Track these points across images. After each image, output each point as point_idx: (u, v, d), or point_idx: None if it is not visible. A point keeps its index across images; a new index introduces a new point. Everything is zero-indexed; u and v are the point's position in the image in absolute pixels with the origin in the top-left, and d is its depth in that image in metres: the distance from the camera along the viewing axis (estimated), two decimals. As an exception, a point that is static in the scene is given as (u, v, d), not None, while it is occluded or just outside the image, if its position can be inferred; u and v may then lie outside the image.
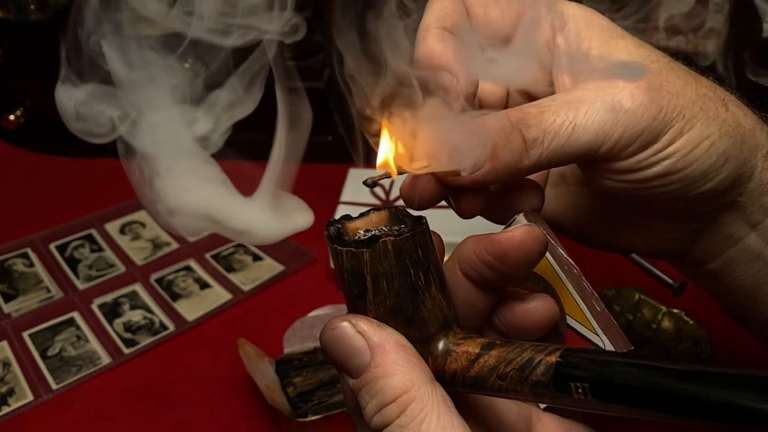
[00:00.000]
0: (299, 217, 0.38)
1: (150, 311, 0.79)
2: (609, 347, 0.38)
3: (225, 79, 0.37)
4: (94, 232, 0.93)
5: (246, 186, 0.38)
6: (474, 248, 0.35)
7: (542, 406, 0.39)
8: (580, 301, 0.39)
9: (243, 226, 0.36)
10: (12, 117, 1.10)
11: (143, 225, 0.94)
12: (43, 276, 0.84)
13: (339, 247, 0.33)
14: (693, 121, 0.35)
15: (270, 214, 0.37)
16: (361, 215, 0.35)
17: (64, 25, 0.36)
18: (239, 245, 0.89)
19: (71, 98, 0.35)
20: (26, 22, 1.12)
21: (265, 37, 0.36)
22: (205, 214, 0.35)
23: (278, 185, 0.37)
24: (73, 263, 0.87)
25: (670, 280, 0.71)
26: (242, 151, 0.40)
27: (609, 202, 0.43)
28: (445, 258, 0.37)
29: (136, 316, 0.78)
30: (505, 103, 0.43)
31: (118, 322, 0.77)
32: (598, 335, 0.39)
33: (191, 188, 0.35)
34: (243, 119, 0.38)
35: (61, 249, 0.89)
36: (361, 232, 0.34)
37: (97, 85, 0.36)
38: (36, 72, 1.09)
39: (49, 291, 0.82)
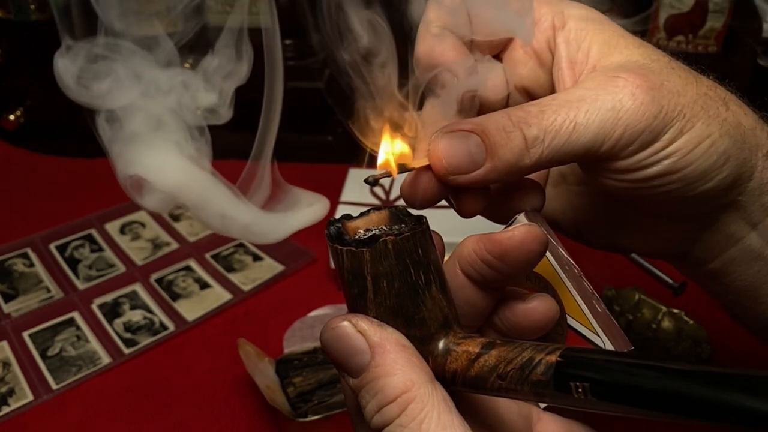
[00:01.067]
0: (312, 208, 0.37)
1: (150, 311, 0.79)
2: (609, 347, 0.38)
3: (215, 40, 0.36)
4: (94, 232, 0.93)
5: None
6: (474, 248, 0.35)
7: (542, 405, 0.39)
8: (581, 301, 0.39)
9: (242, 221, 0.36)
10: (12, 117, 1.10)
11: (143, 225, 0.94)
12: (43, 276, 0.84)
13: (339, 247, 0.33)
14: (693, 121, 0.35)
15: (271, 212, 0.37)
16: (362, 215, 0.35)
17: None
18: (239, 245, 0.89)
19: (69, 66, 0.35)
20: (26, 22, 1.12)
21: None
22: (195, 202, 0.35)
23: (276, 180, 0.37)
24: (73, 263, 0.87)
25: (670, 280, 0.71)
26: (239, 153, 0.40)
27: (609, 201, 0.43)
28: (446, 258, 0.37)
29: (136, 316, 0.78)
30: (506, 102, 0.43)
31: (118, 322, 0.77)
32: (598, 335, 0.39)
33: (175, 163, 0.35)
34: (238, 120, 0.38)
35: (61, 249, 0.89)
36: (362, 231, 0.34)
37: (93, 49, 0.35)
38: (36, 72, 1.09)
39: (49, 291, 0.82)
